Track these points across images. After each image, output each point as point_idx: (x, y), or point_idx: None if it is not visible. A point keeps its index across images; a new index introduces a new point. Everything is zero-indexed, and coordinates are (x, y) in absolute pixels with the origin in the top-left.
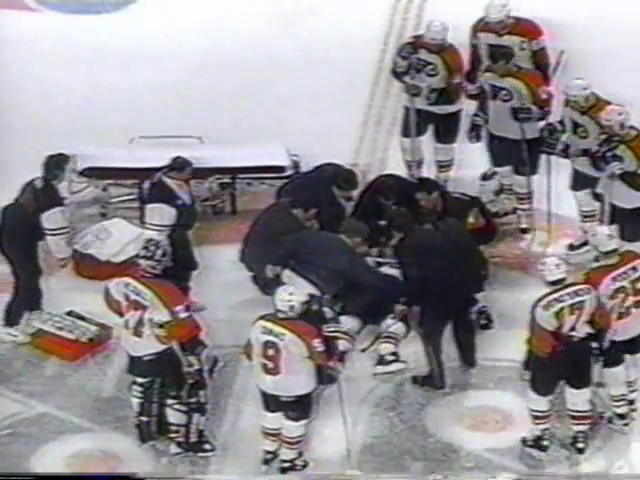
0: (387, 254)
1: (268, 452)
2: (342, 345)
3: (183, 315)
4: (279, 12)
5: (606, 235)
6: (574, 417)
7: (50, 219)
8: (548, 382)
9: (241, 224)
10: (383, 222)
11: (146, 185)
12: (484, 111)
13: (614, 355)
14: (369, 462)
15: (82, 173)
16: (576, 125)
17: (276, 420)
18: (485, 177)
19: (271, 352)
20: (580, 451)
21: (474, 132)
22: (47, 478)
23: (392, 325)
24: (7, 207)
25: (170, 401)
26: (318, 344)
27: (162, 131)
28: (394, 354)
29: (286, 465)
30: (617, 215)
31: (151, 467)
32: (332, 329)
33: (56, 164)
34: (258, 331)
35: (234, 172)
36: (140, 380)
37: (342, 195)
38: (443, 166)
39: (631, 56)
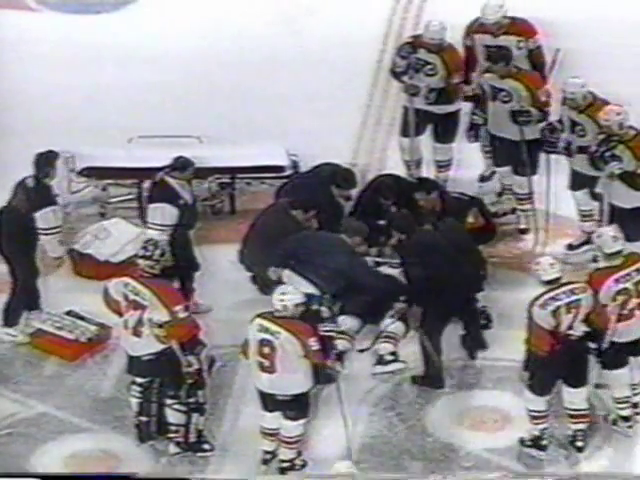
0: (386, 254)
1: (267, 452)
2: (341, 345)
3: (182, 315)
4: (278, 12)
5: (611, 236)
6: (572, 416)
7: (43, 219)
8: (546, 382)
9: (240, 224)
10: (382, 222)
11: (148, 185)
12: (483, 111)
13: (617, 357)
14: (368, 462)
15: (81, 173)
16: (574, 124)
17: (275, 420)
18: (483, 179)
19: (267, 350)
20: (579, 450)
21: (472, 131)
22: (46, 478)
23: (391, 324)
24: (3, 208)
25: (169, 401)
26: (313, 343)
27: (161, 131)
28: (393, 354)
29: (285, 465)
30: (616, 215)
31: (150, 467)
32: (328, 328)
33: (46, 161)
34: (254, 329)
35: (233, 172)
36: (139, 380)
37: (341, 194)
38: (442, 166)
39: (628, 55)
